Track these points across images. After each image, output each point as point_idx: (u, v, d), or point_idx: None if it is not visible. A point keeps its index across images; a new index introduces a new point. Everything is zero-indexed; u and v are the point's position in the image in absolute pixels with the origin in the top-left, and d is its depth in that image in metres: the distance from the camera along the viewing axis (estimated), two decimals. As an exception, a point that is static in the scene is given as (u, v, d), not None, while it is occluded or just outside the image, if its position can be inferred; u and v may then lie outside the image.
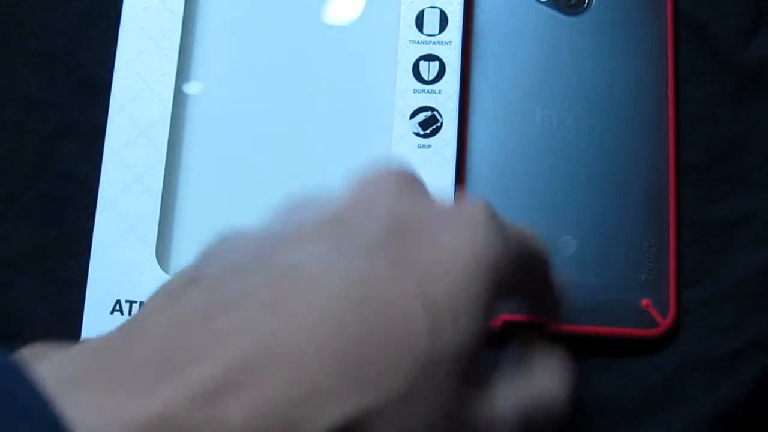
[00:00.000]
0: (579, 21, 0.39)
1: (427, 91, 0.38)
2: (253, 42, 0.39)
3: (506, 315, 0.35)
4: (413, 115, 0.37)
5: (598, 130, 0.38)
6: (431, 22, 0.38)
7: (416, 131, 0.37)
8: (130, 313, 0.36)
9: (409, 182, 0.27)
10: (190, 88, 0.39)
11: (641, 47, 0.39)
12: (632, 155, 0.37)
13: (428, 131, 0.37)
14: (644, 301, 0.36)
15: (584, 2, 0.39)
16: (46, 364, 0.22)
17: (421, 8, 0.38)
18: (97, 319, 0.36)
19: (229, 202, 0.38)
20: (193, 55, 0.39)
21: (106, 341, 0.23)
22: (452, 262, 0.25)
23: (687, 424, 0.35)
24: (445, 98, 0.37)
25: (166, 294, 0.25)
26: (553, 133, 0.38)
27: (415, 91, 0.38)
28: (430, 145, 0.37)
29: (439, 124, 0.37)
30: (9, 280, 0.38)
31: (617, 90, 0.38)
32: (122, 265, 0.36)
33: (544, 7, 0.39)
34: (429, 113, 0.37)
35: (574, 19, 0.39)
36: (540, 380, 0.29)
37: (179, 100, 0.38)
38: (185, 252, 0.37)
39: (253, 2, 0.40)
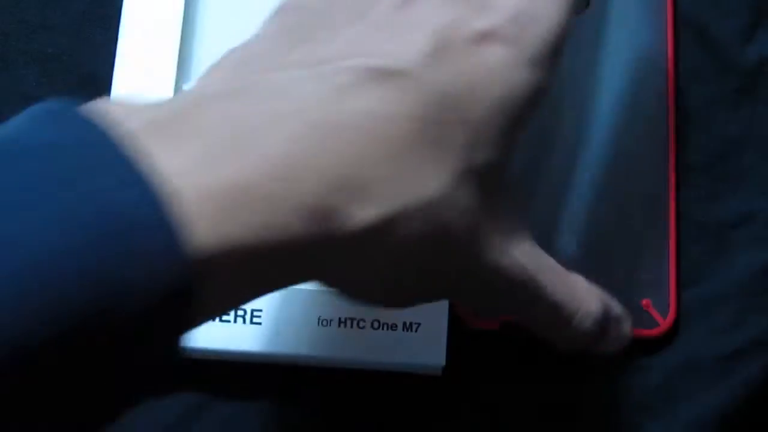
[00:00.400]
0: (579, 21, 0.39)
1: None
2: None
3: (506, 316, 0.35)
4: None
5: (598, 130, 0.38)
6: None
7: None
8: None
9: None
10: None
11: (641, 47, 0.39)
12: (632, 155, 0.37)
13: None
14: (644, 301, 0.36)
15: (584, 2, 0.39)
16: (121, 121, 0.22)
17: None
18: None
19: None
20: (193, 55, 0.39)
21: (174, 106, 0.24)
22: (493, 85, 0.26)
23: (687, 424, 0.35)
24: (445, 98, 0.37)
25: (222, 72, 0.26)
26: (553, 133, 0.38)
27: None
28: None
29: (439, 124, 0.37)
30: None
31: (617, 90, 0.38)
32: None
33: (544, 7, 0.39)
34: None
35: (574, 20, 0.39)
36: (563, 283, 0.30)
37: (179, 100, 0.38)
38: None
39: (252, 2, 0.40)
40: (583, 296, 0.30)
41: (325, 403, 0.36)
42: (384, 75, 0.24)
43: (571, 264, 0.36)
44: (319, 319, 0.35)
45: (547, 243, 0.35)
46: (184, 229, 0.21)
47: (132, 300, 0.20)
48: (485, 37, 0.26)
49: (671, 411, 0.36)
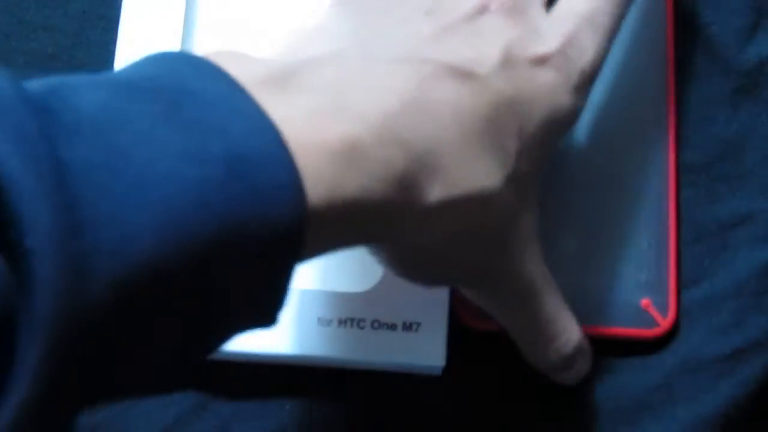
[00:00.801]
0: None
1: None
2: (254, 43, 0.39)
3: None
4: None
5: (598, 130, 0.38)
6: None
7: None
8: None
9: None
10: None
11: (641, 47, 0.39)
12: (632, 155, 0.37)
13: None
14: (644, 301, 0.36)
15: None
16: (238, 74, 0.24)
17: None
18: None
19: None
20: (193, 55, 0.39)
21: (279, 64, 0.26)
22: (544, 104, 0.29)
23: (687, 424, 0.35)
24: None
25: (305, 42, 0.28)
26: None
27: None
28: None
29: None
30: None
31: (617, 90, 0.38)
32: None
33: (544, 7, 0.39)
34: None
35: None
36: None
37: (179, 100, 0.38)
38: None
39: (253, 3, 0.40)
40: (569, 321, 0.33)
41: (325, 404, 0.36)
42: (464, 75, 0.28)
43: (571, 263, 0.37)
44: (319, 319, 0.35)
45: (548, 242, 0.36)
46: (303, 175, 0.23)
47: (254, 235, 0.22)
48: (541, 60, 0.29)
49: (671, 411, 0.36)
